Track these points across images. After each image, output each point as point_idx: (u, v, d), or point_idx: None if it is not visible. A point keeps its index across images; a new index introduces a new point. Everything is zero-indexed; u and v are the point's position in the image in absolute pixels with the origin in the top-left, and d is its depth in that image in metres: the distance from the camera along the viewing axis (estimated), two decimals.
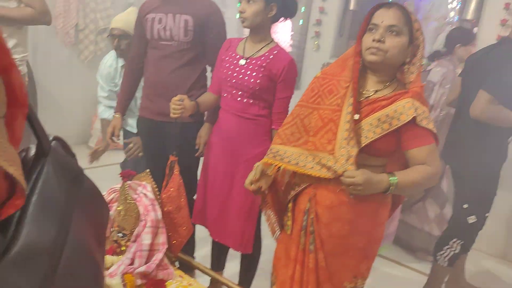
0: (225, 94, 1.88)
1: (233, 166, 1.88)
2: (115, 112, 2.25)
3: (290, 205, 1.49)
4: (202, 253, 2.41)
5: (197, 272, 2.35)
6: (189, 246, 2.17)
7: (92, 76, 4.77)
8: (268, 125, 1.85)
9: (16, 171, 0.42)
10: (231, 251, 2.20)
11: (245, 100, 1.81)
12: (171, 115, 1.71)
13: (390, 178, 1.28)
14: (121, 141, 2.44)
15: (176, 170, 1.64)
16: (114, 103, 2.42)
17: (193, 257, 2.26)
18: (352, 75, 1.34)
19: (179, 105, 1.69)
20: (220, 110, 1.94)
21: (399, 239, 2.98)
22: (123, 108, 2.25)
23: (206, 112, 2.09)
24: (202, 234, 2.19)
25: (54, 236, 0.46)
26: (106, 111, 2.58)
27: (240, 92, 1.81)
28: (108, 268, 1.43)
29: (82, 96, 4.87)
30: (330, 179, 1.32)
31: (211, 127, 2.03)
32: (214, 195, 1.96)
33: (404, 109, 1.27)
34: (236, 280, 2.14)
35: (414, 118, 1.26)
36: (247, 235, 1.92)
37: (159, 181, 1.64)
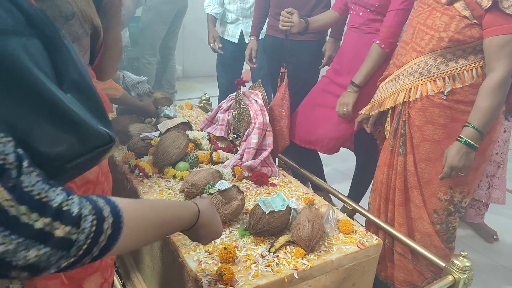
0: (351, 12, 1.86)
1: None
2: (250, 36, 2.48)
3: (390, 110, 1.51)
4: None
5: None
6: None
7: None
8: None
9: None
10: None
11: (366, 15, 1.78)
12: (280, 26, 1.80)
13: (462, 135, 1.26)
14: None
15: (285, 82, 1.76)
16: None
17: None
18: None
19: (287, 18, 1.76)
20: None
21: None
22: (257, 31, 2.47)
23: (330, 29, 2.13)
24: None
25: None
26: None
27: (363, 9, 1.77)
28: (223, 162, 1.68)
29: None
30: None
31: (336, 42, 2.08)
32: (308, 109, 1.99)
33: None
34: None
35: None
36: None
37: None
